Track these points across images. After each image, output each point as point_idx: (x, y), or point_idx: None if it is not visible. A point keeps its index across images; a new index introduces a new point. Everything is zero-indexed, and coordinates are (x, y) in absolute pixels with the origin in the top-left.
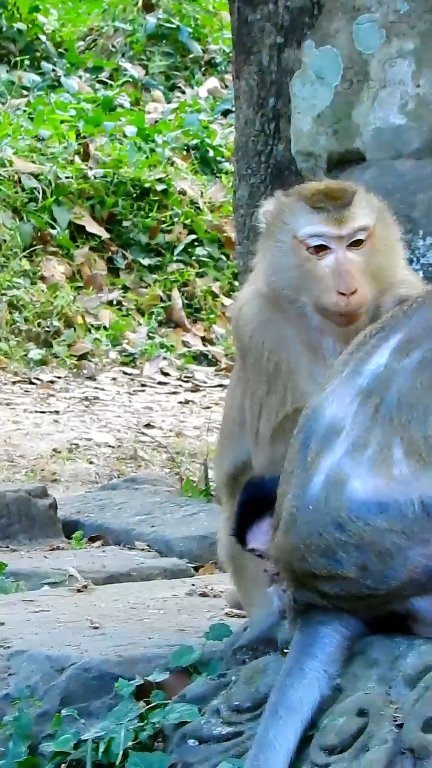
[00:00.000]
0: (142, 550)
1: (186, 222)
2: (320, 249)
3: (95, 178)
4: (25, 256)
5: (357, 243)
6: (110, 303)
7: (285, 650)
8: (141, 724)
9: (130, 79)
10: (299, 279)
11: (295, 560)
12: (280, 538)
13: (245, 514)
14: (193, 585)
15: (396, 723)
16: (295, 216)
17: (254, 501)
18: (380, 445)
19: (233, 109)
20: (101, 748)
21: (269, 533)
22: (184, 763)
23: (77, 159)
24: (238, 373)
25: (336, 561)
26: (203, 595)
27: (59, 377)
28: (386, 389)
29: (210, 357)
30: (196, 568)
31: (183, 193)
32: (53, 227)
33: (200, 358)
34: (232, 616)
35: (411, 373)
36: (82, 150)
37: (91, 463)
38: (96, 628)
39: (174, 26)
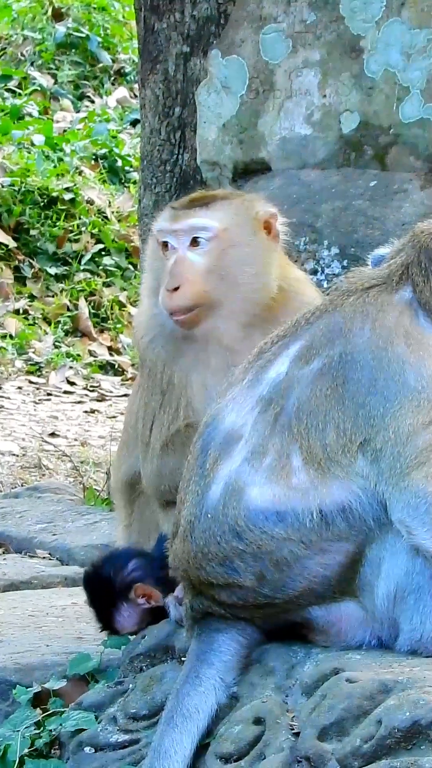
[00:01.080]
0: (43, 558)
1: (93, 231)
2: (164, 247)
3: (2, 186)
4: None
5: (194, 242)
6: (16, 312)
7: (182, 658)
8: (38, 731)
9: (39, 88)
10: (158, 280)
11: (193, 568)
12: (178, 545)
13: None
14: None
15: (292, 731)
16: (159, 216)
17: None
18: (279, 454)
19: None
20: None
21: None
22: None
23: None
24: (139, 380)
25: (233, 570)
26: None
27: None
28: (286, 397)
29: (116, 366)
30: None
31: (91, 202)
32: None
33: (106, 368)
34: None
35: (311, 381)
36: None
37: None
38: None
39: (83, 35)
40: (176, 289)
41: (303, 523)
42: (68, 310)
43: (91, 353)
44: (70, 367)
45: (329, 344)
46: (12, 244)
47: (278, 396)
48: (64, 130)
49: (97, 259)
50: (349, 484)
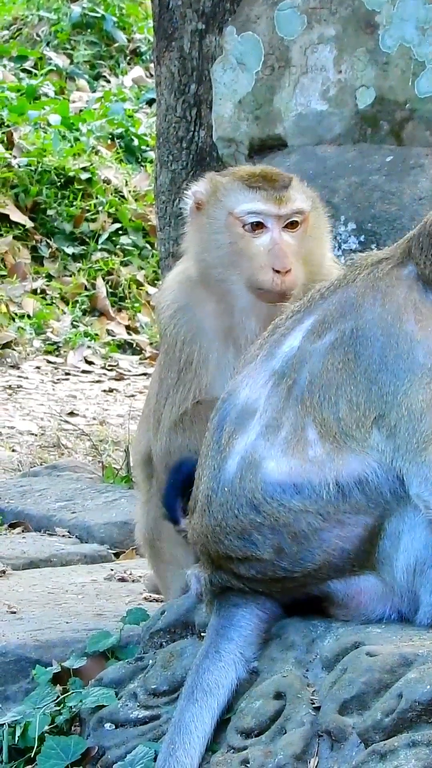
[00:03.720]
0: (63, 536)
1: (110, 211)
2: (256, 227)
3: (19, 167)
4: None
5: (292, 225)
6: (34, 292)
7: (202, 633)
8: (57, 708)
9: (55, 68)
10: (231, 256)
11: (211, 542)
12: (197, 520)
13: (174, 495)
14: (112, 570)
15: (313, 706)
16: (231, 194)
17: (182, 482)
18: (294, 427)
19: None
20: (17, 732)
21: None
22: (100, 746)
23: (1, 148)
24: (161, 356)
25: (251, 543)
26: (122, 579)
27: None
28: (298, 371)
29: (134, 346)
30: (117, 554)
31: (107, 182)
32: None
33: (124, 347)
34: (150, 601)
35: (323, 354)
36: (6, 139)
37: (13, 450)
38: (13, 612)
39: (99, 15)
40: (288, 271)
41: (320, 495)
42: (86, 289)
43: (108, 332)
44: (88, 347)
45: (341, 318)
46: (29, 224)
47: (291, 370)
48: (81, 110)
49: (114, 238)
50: (365, 458)
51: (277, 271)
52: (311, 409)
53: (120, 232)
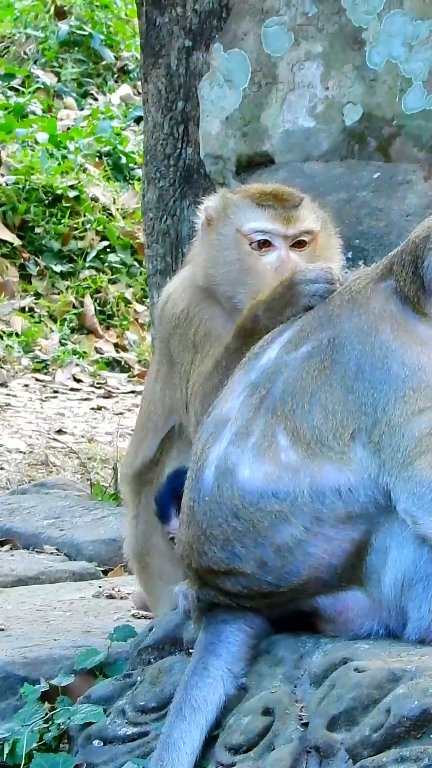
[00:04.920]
0: (51, 553)
1: (98, 228)
2: (263, 245)
3: (7, 184)
4: None
5: (300, 244)
6: (22, 309)
7: (190, 650)
8: (46, 725)
9: (42, 86)
10: (239, 274)
11: (196, 554)
12: (183, 532)
13: (169, 498)
14: (101, 587)
15: (301, 722)
16: (240, 211)
17: (180, 488)
18: (263, 433)
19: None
20: (6, 750)
21: None
22: (89, 763)
23: None
24: (157, 367)
25: (234, 555)
26: (110, 597)
27: None
28: (273, 381)
29: (123, 363)
30: (105, 572)
31: (95, 199)
32: None
33: (113, 365)
34: (138, 617)
35: (299, 363)
36: None
37: (2, 468)
38: (2, 629)
39: (86, 33)
40: None
41: (295, 499)
42: (74, 307)
43: (97, 350)
44: (77, 365)
45: (319, 329)
46: (17, 242)
47: (265, 380)
48: (68, 128)
49: (102, 256)
50: (344, 469)
51: None
52: (283, 417)
53: (108, 249)
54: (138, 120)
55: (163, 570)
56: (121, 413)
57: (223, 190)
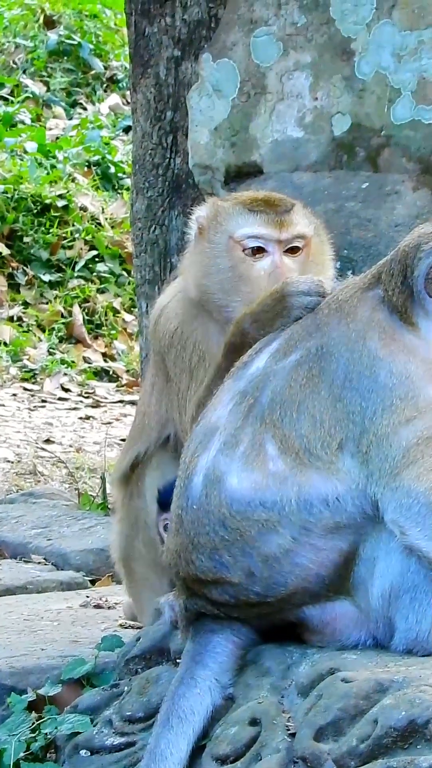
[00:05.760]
0: (39, 563)
1: (87, 238)
2: (257, 251)
3: None
4: None
5: (293, 250)
6: (10, 319)
7: (178, 660)
8: (33, 735)
9: (31, 96)
10: (232, 281)
11: (184, 563)
12: (170, 540)
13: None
14: (88, 597)
15: (288, 732)
16: (232, 218)
17: None
18: (252, 442)
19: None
20: None
21: None
22: None
23: None
24: (152, 380)
25: (222, 564)
26: (98, 606)
27: None
28: (261, 389)
29: (111, 373)
30: (93, 581)
31: (84, 209)
32: None
33: (101, 374)
34: (126, 627)
35: (287, 372)
36: None
37: None
38: None
39: (75, 42)
40: None
41: (282, 508)
42: (62, 316)
43: (85, 360)
44: (65, 374)
45: (307, 337)
46: (5, 251)
47: (254, 389)
48: (57, 137)
49: (90, 265)
50: (332, 479)
51: None
52: (270, 425)
53: (96, 259)
54: (127, 130)
55: (146, 576)
56: (110, 423)
57: (213, 198)
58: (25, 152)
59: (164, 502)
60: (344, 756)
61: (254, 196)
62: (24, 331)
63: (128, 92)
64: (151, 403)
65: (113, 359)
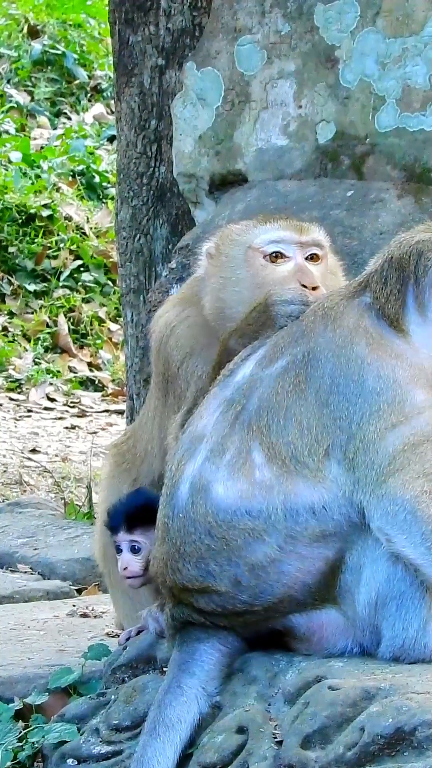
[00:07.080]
0: (25, 572)
1: (72, 247)
2: (278, 257)
3: None
4: None
5: (314, 257)
6: None
7: (164, 668)
8: (20, 744)
9: (16, 105)
10: (252, 290)
11: (170, 572)
12: (157, 549)
13: (121, 510)
14: (74, 606)
15: (275, 740)
16: (247, 231)
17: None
18: (238, 450)
19: None
20: None
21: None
22: None
23: None
24: (155, 403)
25: (208, 573)
26: (84, 615)
27: None
28: (248, 397)
29: (96, 382)
30: (79, 591)
31: (69, 218)
32: None
33: (87, 384)
34: (112, 636)
35: (274, 378)
36: None
37: None
38: None
39: (59, 52)
40: (315, 288)
41: (268, 517)
42: (48, 326)
43: (71, 369)
44: (51, 384)
45: (292, 344)
46: None
47: (241, 396)
48: (42, 147)
49: (75, 275)
50: (318, 487)
51: (304, 286)
52: (258, 432)
53: (81, 268)
54: (111, 139)
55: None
56: (95, 432)
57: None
58: (10, 162)
59: (111, 524)
60: (331, 764)
61: (263, 214)
62: (9, 341)
63: (112, 101)
64: (153, 428)
65: (99, 369)
